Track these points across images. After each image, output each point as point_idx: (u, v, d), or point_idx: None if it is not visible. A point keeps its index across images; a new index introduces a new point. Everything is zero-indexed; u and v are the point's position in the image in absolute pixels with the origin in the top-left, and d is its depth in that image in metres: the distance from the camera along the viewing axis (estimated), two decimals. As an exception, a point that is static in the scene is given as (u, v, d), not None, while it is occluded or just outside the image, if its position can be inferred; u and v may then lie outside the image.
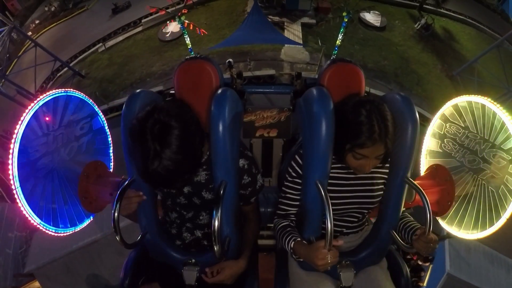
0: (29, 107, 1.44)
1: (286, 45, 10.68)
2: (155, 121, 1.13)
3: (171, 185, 1.30)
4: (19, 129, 1.39)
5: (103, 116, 1.87)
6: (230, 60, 9.32)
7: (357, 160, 1.33)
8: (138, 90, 1.40)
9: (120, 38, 12.21)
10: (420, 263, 7.07)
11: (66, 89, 1.63)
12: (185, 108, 1.28)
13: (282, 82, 9.69)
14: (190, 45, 9.51)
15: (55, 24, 14.13)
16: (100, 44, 11.98)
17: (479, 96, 1.59)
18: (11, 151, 1.36)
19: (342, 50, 9.94)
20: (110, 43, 12.06)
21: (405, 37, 11.85)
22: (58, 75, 10.97)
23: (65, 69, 10.90)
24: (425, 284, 6.79)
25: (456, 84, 10.46)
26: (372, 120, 1.25)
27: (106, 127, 1.88)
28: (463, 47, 12.00)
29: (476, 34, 12.63)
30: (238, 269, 1.55)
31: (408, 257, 7.19)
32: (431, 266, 6.89)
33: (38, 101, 1.48)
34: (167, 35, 11.58)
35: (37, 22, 14.02)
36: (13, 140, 1.37)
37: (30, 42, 10.48)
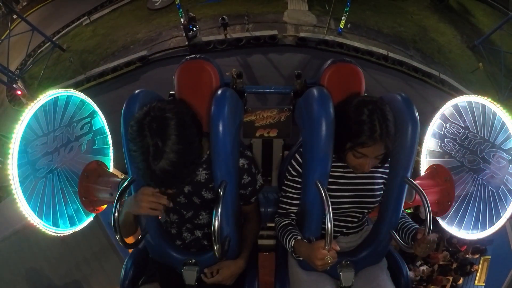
0: (29, 107, 1.44)
1: (289, 7, 10.18)
2: (152, 118, 1.16)
3: (175, 181, 1.26)
4: (19, 129, 1.39)
5: (102, 116, 1.86)
6: (225, 17, 8.62)
7: (357, 159, 1.34)
8: (137, 91, 1.41)
9: (107, 10, 11.62)
10: (468, 256, 6.52)
11: (66, 89, 1.63)
12: (179, 103, 1.30)
13: (286, 43, 9.06)
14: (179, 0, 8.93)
15: (42, 4, 13.39)
16: (85, 17, 11.45)
17: (479, 96, 1.60)
18: (11, 151, 1.36)
19: (353, 16, 9.53)
20: (95, 16, 11.50)
21: (419, 7, 11.55)
22: (39, 51, 10.56)
23: (47, 44, 10.42)
24: (482, 282, 6.04)
25: (479, 56, 10.23)
26: (373, 120, 1.26)
27: (106, 127, 1.88)
28: (480, 22, 11.79)
29: (491, 11, 12.38)
30: (237, 269, 1.55)
31: (451, 249, 6.50)
32: (482, 258, 6.30)
33: (38, 101, 1.48)
34: (157, 3, 11.10)
35: (24, 4, 13.64)
36: (13, 140, 1.37)
37: (16, 22, 10.13)
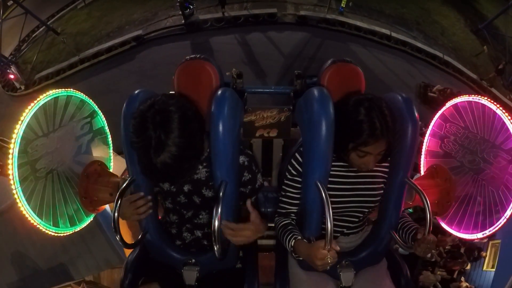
0: (29, 107, 1.44)
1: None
2: (155, 111, 1.16)
3: (175, 175, 1.26)
4: (19, 129, 1.39)
5: (103, 116, 1.87)
6: (221, -8, 8.31)
7: (361, 158, 1.34)
8: (137, 91, 1.41)
9: (102, -7, 11.30)
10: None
11: (66, 89, 1.63)
12: (182, 99, 1.31)
13: (285, 21, 8.88)
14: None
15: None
16: (80, 0, 11.18)
17: (479, 96, 1.60)
18: (11, 151, 1.36)
19: (355, -4, 9.41)
20: (90, -1, 11.24)
21: (422, -10, 11.52)
22: (33, 35, 10.38)
23: (41, 29, 10.24)
24: (491, 267, 5.87)
25: (482, 40, 10.12)
26: (372, 118, 1.26)
27: (106, 127, 1.88)
28: (483, 8, 11.68)
29: (494, -3, 12.47)
30: (258, 230, 1.39)
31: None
32: (491, 243, 6.14)
33: (38, 101, 1.48)
34: (153, -17, 10.63)
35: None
36: (13, 141, 1.37)
37: (11, 8, 10.04)
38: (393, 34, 9.10)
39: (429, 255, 5.74)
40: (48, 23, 10.44)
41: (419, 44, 9.18)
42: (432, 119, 1.85)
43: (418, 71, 8.83)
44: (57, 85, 8.56)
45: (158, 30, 9.00)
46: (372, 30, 9.08)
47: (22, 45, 10.23)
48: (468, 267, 6.33)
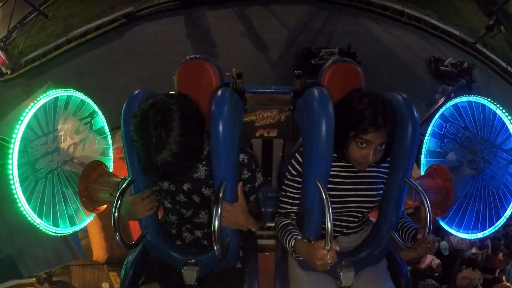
0: (29, 107, 1.44)
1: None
2: (157, 110, 1.18)
3: (175, 173, 1.26)
4: (19, 129, 1.39)
5: (102, 116, 1.87)
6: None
7: (361, 150, 1.32)
8: (137, 91, 1.41)
9: (97, -21, 11.08)
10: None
11: (66, 89, 1.64)
12: (183, 98, 1.33)
13: None
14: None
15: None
16: None
17: (479, 96, 1.60)
18: (11, 151, 1.36)
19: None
20: (84, -15, 10.95)
21: (432, -28, 11.43)
22: (25, 22, 9.63)
23: (33, 15, 9.28)
24: None
25: (497, 23, 10.16)
26: (375, 107, 1.27)
27: (106, 127, 1.88)
28: None
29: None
30: (238, 215, 1.42)
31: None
32: None
33: (38, 101, 1.48)
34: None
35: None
36: (13, 141, 1.37)
37: None
38: (406, 10, 8.91)
39: (471, 252, 5.26)
40: (41, 8, 10.37)
41: (433, 21, 8.99)
42: (432, 119, 1.85)
43: (436, 48, 8.51)
44: (42, 67, 8.38)
45: (151, 7, 8.80)
46: (384, 5, 8.88)
47: (12, 31, 10.17)
48: (508, 266, 5.75)
